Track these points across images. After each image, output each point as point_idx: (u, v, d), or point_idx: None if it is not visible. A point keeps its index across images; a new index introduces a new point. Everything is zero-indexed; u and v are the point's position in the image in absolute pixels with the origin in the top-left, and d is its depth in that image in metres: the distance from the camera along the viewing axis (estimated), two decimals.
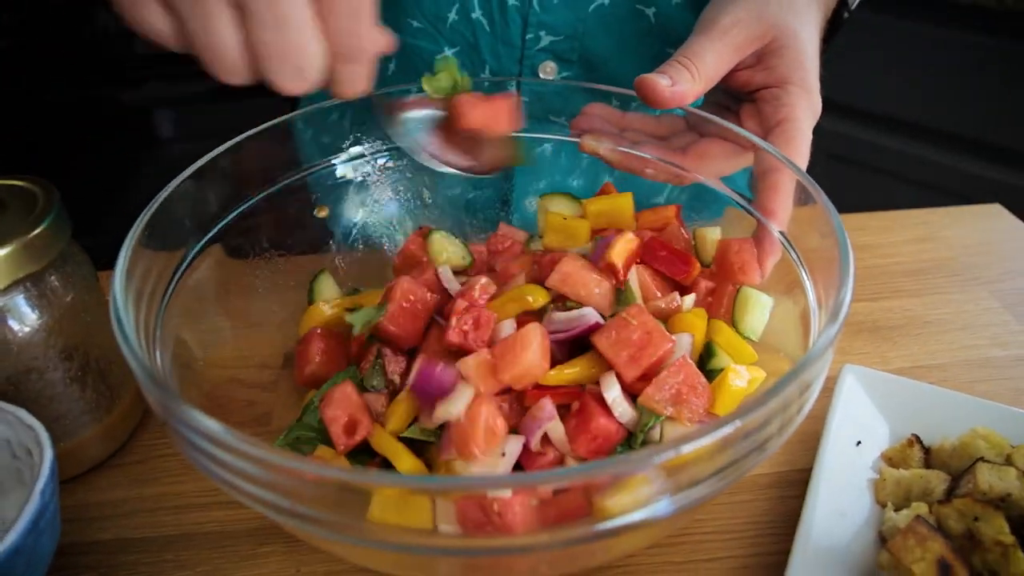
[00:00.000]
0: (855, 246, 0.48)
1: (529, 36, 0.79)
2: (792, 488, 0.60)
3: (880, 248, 0.89)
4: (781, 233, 0.57)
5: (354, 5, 0.43)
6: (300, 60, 0.43)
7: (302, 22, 0.41)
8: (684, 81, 0.58)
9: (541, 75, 0.82)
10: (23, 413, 0.51)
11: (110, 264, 0.48)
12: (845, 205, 0.52)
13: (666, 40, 0.80)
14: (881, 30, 1.75)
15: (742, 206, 0.62)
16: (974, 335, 0.76)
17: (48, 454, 0.48)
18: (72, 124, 2.31)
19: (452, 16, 0.79)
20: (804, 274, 0.55)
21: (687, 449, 0.36)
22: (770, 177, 0.57)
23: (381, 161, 0.71)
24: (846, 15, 0.70)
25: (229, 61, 0.42)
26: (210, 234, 0.60)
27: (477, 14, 0.79)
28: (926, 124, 1.87)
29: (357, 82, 0.46)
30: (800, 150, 0.58)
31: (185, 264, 0.57)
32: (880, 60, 1.82)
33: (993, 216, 0.95)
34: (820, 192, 0.53)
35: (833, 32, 0.71)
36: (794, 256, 0.56)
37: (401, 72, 0.83)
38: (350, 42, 0.44)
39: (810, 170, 0.57)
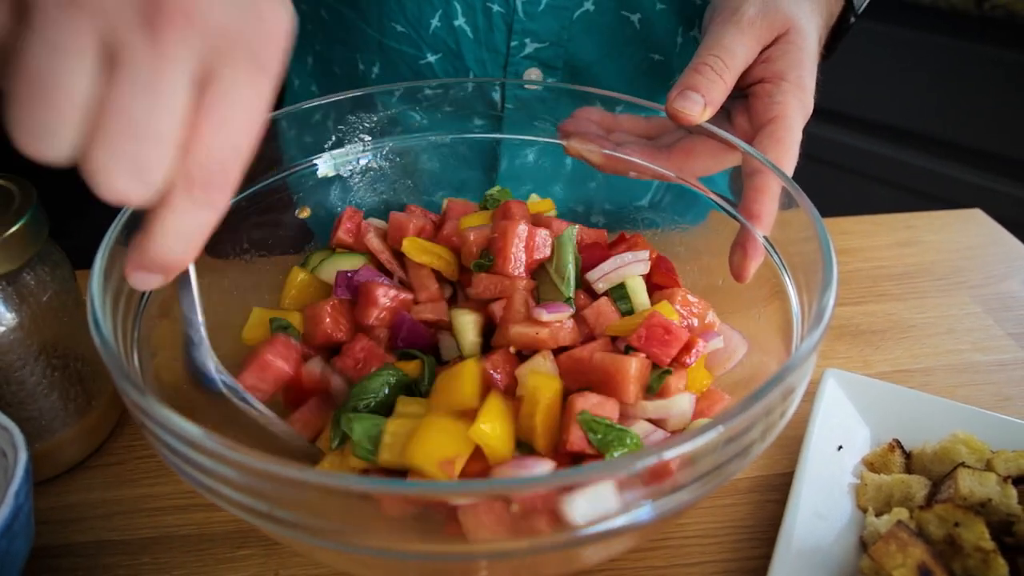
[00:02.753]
0: (839, 250, 0.48)
1: (514, 43, 0.78)
2: (773, 492, 0.60)
3: (863, 252, 0.90)
4: (765, 238, 0.57)
5: (232, 139, 0.35)
6: (150, 152, 0.32)
7: (176, 108, 0.32)
8: (716, 91, 0.57)
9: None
10: None
11: (89, 264, 0.47)
12: (824, 208, 0.52)
13: (650, 46, 0.80)
14: (858, 34, 1.76)
15: (725, 210, 0.62)
16: (957, 340, 0.76)
17: (22, 456, 0.47)
18: None
19: (434, 23, 0.77)
20: (787, 279, 0.55)
21: (669, 455, 0.36)
22: (755, 180, 0.56)
23: (363, 161, 0.70)
24: (852, 19, 0.69)
25: (66, 116, 0.31)
26: None
27: (460, 21, 0.77)
28: (904, 127, 1.88)
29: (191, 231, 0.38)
30: (789, 150, 0.58)
31: None
32: (858, 64, 1.83)
33: (975, 221, 0.96)
34: (803, 196, 0.53)
35: (836, 39, 0.70)
36: (777, 260, 0.56)
37: (385, 76, 0.82)
38: (211, 167, 0.35)
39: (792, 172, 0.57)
